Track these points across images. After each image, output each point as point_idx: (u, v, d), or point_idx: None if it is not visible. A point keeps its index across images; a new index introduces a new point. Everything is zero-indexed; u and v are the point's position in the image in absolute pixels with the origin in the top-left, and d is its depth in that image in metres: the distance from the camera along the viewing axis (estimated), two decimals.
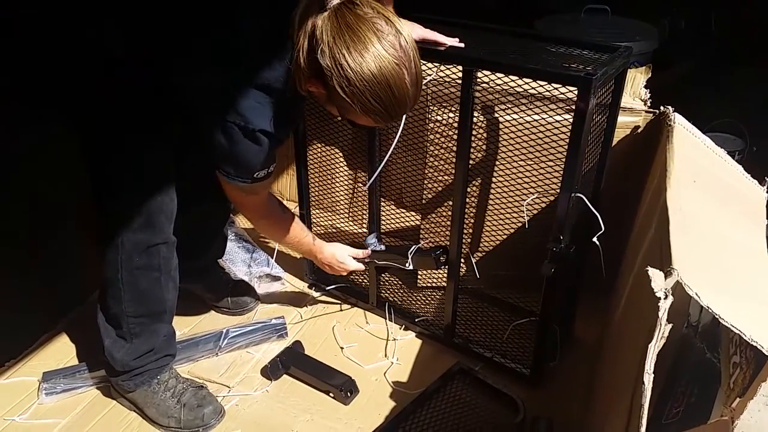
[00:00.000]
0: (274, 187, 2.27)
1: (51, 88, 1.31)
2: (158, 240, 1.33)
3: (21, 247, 1.59)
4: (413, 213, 1.79)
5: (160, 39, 1.18)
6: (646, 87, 1.70)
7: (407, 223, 1.78)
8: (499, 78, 1.32)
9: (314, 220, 1.87)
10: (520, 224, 1.56)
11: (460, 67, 1.32)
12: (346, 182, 1.94)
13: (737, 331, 0.82)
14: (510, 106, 1.41)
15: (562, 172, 1.28)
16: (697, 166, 1.33)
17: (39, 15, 1.30)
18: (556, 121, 1.37)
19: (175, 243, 1.37)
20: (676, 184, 1.16)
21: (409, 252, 1.56)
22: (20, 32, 1.40)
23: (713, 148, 1.42)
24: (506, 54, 1.32)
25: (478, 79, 1.33)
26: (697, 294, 0.86)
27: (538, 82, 1.26)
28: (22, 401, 1.51)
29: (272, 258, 1.93)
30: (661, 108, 1.52)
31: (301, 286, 1.93)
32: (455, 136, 1.41)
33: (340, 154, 1.88)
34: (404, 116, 1.18)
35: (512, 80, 1.30)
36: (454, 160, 1.44)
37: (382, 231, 1.74)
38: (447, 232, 1.59)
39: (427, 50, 1.33)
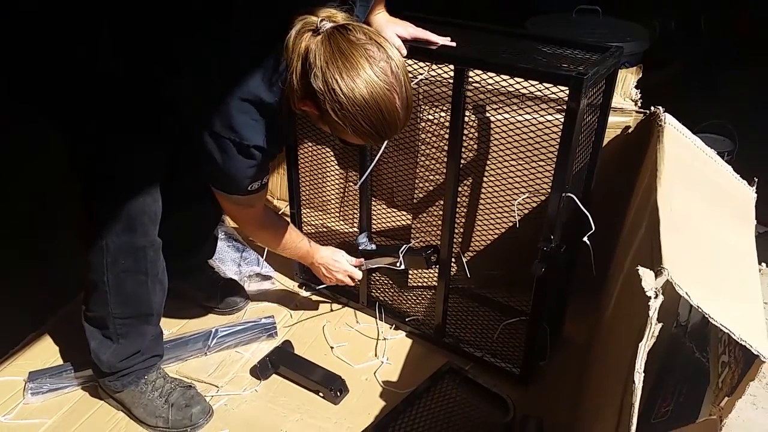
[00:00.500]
0: None
1: (36, 87, 1.29)
2: (143, 242, 1.31)
3: (7, 247, 1.58)
4: (404, 212, 1.78)
5: (149, 46, 1.17)
6: (636, 87, 1.71)
7: (398, 223, 1.78)
8: (490, 77, 1.32)
9: (305, 220, 1.86)
10: (510, 224, 1.56)
11: (452, 67, 1.32)
12: (337, 181, 1.93)
13: (726, 330, 0.82)
14: (501, 105, 1.41)
15: (553, 172, 1.28)
16: (687, 166, 1.34)
17: (28, 14, 1.28)
18: (548, 120, 1.37)
19: (161, 245, 1.36)
20: (666, 184, 1.16)
21: (400, 251, 1.56)
22: (12, 31, 1.38)
23: (703, 149, 1.43)
24: (498, 53, 1.33)
25: (470, 79, 1.33)
26: (687, 293, 0.86)
27: (529, 81, 1.26)
28: (7, 401, 1.49)
29: (262, 257, 1.92)
30: (652, 108, 1.53)
31: (291, 285, 1.92)
32: (446, 136, 1.41)
33: (331, 153, 1.87)
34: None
35: (504, 79, 1.30)
36: (445, 159, 1.44)
37: (373, 230, 1.73)
38: (438, 232, 1.59)
39: (419, 49, 1.33)
